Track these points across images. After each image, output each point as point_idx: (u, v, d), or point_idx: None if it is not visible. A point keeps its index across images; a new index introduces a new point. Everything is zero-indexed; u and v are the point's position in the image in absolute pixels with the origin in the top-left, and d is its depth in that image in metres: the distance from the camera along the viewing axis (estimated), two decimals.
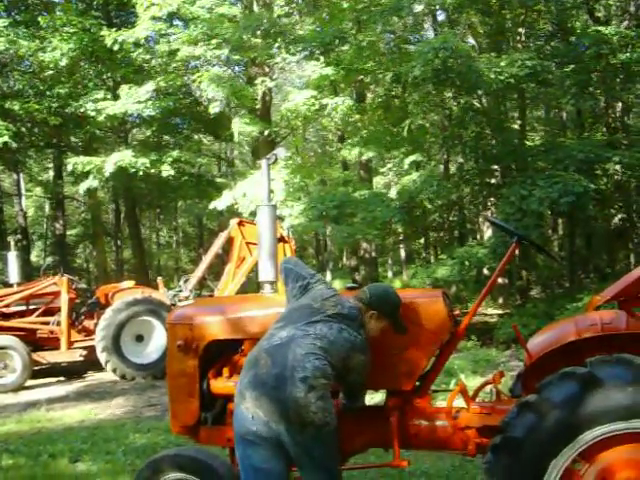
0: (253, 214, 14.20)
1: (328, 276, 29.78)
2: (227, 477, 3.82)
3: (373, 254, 24.03)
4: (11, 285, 14.42)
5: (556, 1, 17.61)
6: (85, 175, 19.56)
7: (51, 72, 20.19)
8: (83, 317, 13.43)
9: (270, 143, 19.21)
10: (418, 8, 17.87)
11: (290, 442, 3.34)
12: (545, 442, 3.00)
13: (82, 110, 19.70)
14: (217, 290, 13.01)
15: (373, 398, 5.49)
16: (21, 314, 12.95)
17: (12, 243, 17.89)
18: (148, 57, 19.67)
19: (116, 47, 18.51)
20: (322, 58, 17.40)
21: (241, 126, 18.29)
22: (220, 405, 4.25)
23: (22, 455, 7.03)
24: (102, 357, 12.23)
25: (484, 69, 14.60)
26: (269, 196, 4.65)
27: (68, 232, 30.94)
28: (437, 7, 18.85)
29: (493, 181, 18.94)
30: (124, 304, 12.42)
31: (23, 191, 30.39)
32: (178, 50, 18.23)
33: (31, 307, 13.03)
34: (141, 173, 18.93)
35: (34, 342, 12.74)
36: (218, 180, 27.51)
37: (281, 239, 11.29)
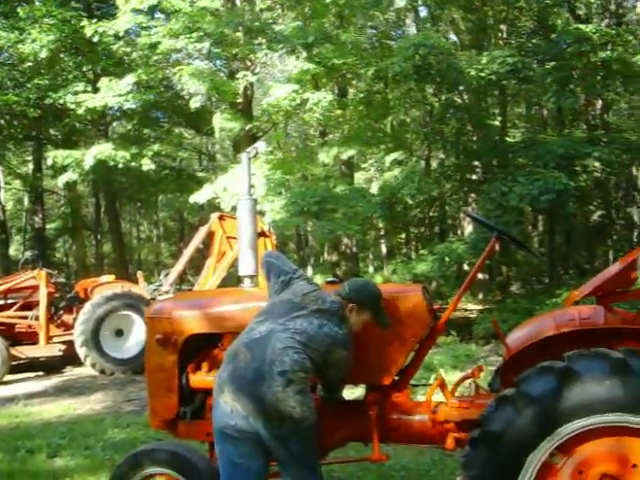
0: (235, 209, 14.17)
1: (309, 271, 29.74)
2: (206, 471, 3.80)
3: (354, 249, 24.06)
4: None
5: None
6: (64, 168, 19.38)
7: (30, 64, 19.97)
8: (62, 311, 13.30)
9: (251, 138, 19.13)
10: (400, 3, 17.92)
11: (269, 436, 3.33)
12: (523, 436, 3.02)
13: (62, 102, 19.50)
14: (197, 285, 12.96)
15: (353, 393, 5.49)
16: None
17: None
18: (129, 50, 19.48)
19: (96, 39, 18.35)
20: (304, 53, 17.37)
21: (222, 122, 18.21)
22: (199, 399, 4.23)
23: None
24: (81, 352, 12.15)
25: (465, 66, 14.66)
26: (249, 190, 4.62)
27: (47, 226, 30.64)
28: (419, 3, 18.88)
29: (474, 177, 19.03)
30: (103, 298, 12.33)
31: (2, 184, 30.06)
32: (159, 43, 18.09)
33: (9, 301, 12.90)
34: (121, 166, 18.79)
35: (12, 337, 12.60)
36: (199, 174, 27.36)
37: (262, 234, 11.26)
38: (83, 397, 10.45)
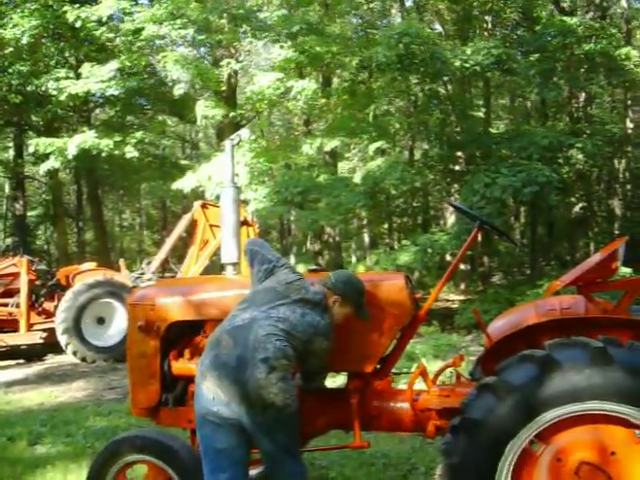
0: (219, 197, 14.12)
1: (292, 260, 29.75)
2: (188, 458, 3.79)
3: (337, 239, 24.09)
4: None
5: None
6: (46, 156, 19.20)
7: (12, 49, 19.71)
8: (43, 299, 13.23)
9: (235, 126, 19.05)
10: None
11: (251, 423, 3.34)
12: (503, 423, 3.04)
13: (43, 89, 19.29)
14: (180, 273, 12.91)
15: (335, 381, 5.51)
16: None
17: None
18: (112, 35, 19.31)
19: (79, 24, 18.16)
20: (289, 42, 17.30)
21: (205, 109, 18.11)
22: (181, 387, 4.22)
23: None
24: (62, 340, 12.08)
25: (449, 56, 14.67)
26: (233, 178, 4.61)
27: (28, 213, 30.34)
28: None
29: (457, 168, 19.08)
30: (85, 286, 12.27)
31: None
32: (142, 29, 17.94)
33: None
34: (104, 155, 18.63)
35: None
36: (182, 162, 27.23)
37: (245, 222, 11.23)
38: (64, 385, 10.40)
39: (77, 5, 18.93)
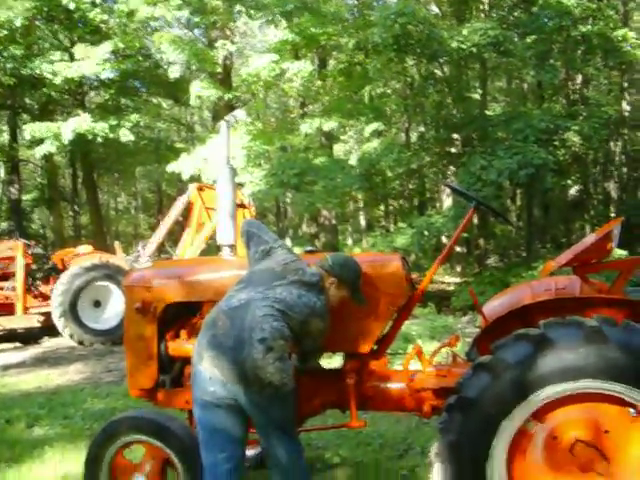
0: (215, 180, 14.08)
1: (288, 243, 29.77)
2: (185, 439, 3.81)
3: (333, 221, 24.09)
4: None
5: None
6: (41, 140, 19.12)
7: (5, 32, 19.54)
8: (39, 282, 13.22)
9: (230, 108, 18.98)
10: None
11: (248, 403, 3.35)
12: (498, 402, 3.06)
13: (38, 72, 19.16)
14: (176, 256, 12.90)
15: (330, 362, 5.53)
16: None
17: None
18: (106, 17, 19.16)
19: (72, 6, 18.01)
20: (284, 22, 17.20)
21: (199, 90, 18.02)
22: (178, 368, 4.24)
23: None
24: (59, 323, 12.09)
25: (446, 37, 14.61)
26: (228, 158, 4.59)
27: (24, 197, 30.23)
28: None
29: (453, 150, 19.05)
30: (81, 269, 12.26)
31: None
32: (137, 11, 17.80)
33: None
34: (100, 138, 18.55)
35: None
36: (178, 145, 27.15)
37: (241, 205, 11.23)
38: (61, 368, 10.41)
39: None
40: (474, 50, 14.73)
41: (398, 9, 14.24)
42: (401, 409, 4.07)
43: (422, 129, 21.41)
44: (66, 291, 12.04)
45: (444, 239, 18.53)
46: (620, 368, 2.96)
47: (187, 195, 12.90)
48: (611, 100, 26.80)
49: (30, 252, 13.32)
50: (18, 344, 12.74)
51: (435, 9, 21.39)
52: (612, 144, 26.18)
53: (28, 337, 13.12)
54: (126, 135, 18.91)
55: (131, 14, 17.98)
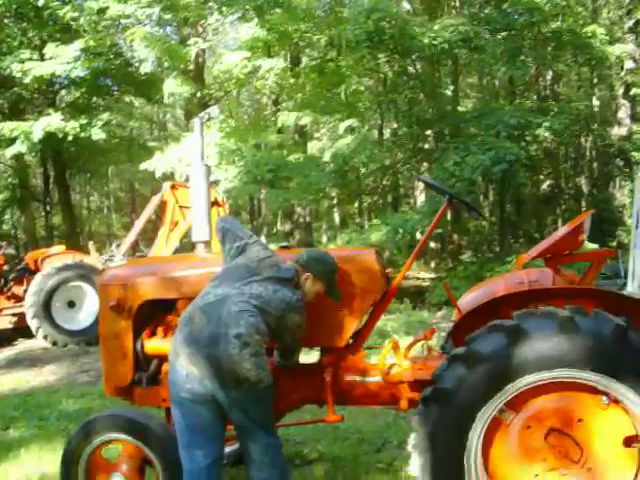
0: (189, 178, 14.01)
1: (262, 241, 29.69)
2: (163, 437, 3.80)
3: (307, 219, 24.10)
4: None
5: None
6: (12, 140, 18.87)
7: None
8: (12, 283, 13.06)
9: (204, 105, 18.93)
10: None
11: (225, 399, 3.35)
12: (474, 392, 3.10)
13: (7, 71, 18.90)
14: (150, 255, 12.81)
15: (307, 358, 5.55)
16: None
17: None
18: (76, 15, 18.93)
19: (42, 3, 17.79)
20: (256, 19, 17.15)
21: (173, 87, 17.91)
22: (154, 366, 4.22)
23: None
24: (33, 324, 11.94)
25: (418, 33, 14.68)
26: (202, 155, 4.59)
27: None
28: None
29: (426, 146, 19.16)
30: (54, 269, 12.12)
31: None
32: (107, 8, 17.63)
33: None
34: (71, 137, 18.35)
35: None
36: (150, 144, 26.95)
37: (215, 203, 11.17)
38: (36, 369, 10.30)
39: None
40: (446, 46, 14.82)
41: (371, 5, 14.27)
42: (378, 403, 4.10)
43: (395, 126, 21.50)
44: (39, 292, 11.90)
45: (418, 235, 18.65)
46: (592, 357, 3.02)
47: (161, 194, 12.81)
48: (581, 96, 27.16)
49: (1, 253, 13.16)
50: None
51: (407, 5, 21.51)
52: (583, 139, 26.52)
53: (1, 339, 12.95)
54: (97, 134, 18.73)
55: (101, 12, 17.80)
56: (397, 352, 4.08)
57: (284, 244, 4.43)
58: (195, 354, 3.32)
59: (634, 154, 21.86)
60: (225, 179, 15.75)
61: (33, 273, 12.60)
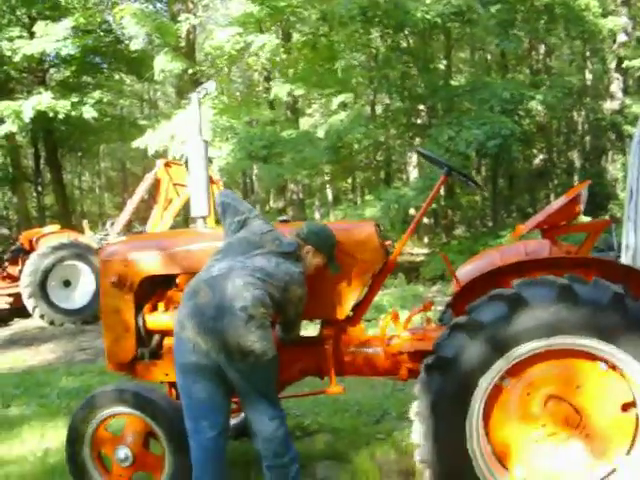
0: (182, 156, 13.95)
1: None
2: (168, 410, 3.84)
3: (300, 195, 24.08)
4: None
5: None
6: (2, 120, 18.73)
7: None
8: (7, 263, 13.06)
9: (195, 82, 18.81)
10: None
11: (230, 371, 3.40)
12: (475, 360, 3.15)
13: None
14: (145, 232, 12.80)
15: (307, 328, 5.61)
16: None
17: None
18: None
19: None
20: None
21: (163, 64, 17.78)
22: (156, 340, 4.26)
23: None
24: (29, 303, 11.98)
25: (411, 7, 14.59)
26: (200, 130, 4.59)
27: None
28: None
29: (419, 121, 19.12)
30: (50, 249, 12.12)
31: None
32: None
33: None
34: (62, 116, 18.22)
35: None
36: (141, 122, 26.78)
37: (210, 180, 11.14)
38: (33, 348, 10.36)
39: None
40: (439, 20, 14.75)
41: None
42: (378, 373, 4.14)
43: (387, 101, 21.43)
44: (35, 271, 11.92)
45: (412, 211, 18.69)
46: (591, 324, 3.07)
47: (154, 172, 12.78)
48: (573, 70, 27.10)
49: None
50: None
51: None
52: (575, 114, 26.50)
53: None
54: (89, 112, 18.61)
55: None
56: (397, 323, 4.13)
57: (283, 218, 4.46)
58: (201, 326, 3.36)
59: (626, 127, 21.85)
60: (219, 156, 15.71)
61: (28, 253, 12.60)
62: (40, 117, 18.25)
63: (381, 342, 4.02)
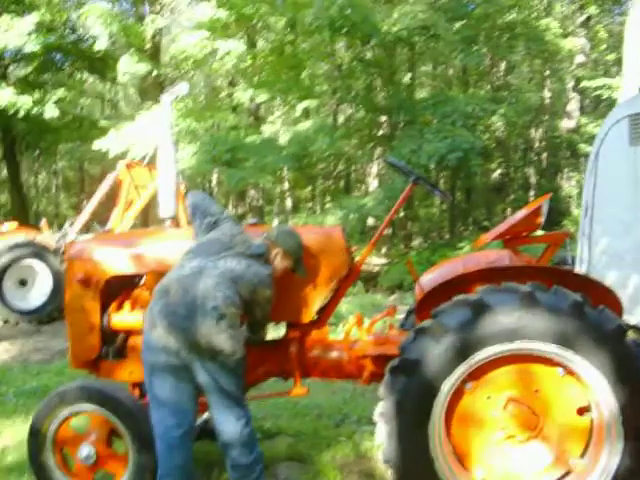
0: (144, 158, 13.84)
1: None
2: (132, 408, 3.84)
3: (260, 202, 24.08)
4: None
5: None
6: None
7: None
8: None
9: (159, 85, 18.74)
10: None
11: (200, 370, 3.44)
12: (439, 363, 3.25)
13: None
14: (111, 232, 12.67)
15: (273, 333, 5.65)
16: None
17: None
18: None
19: None
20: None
21: (128, 65, 17.65)
22: (121, 339, 4.27)
23: None
24: None
25: (378, 20, 14.78)
26: (171, 132, 4.61)
27: None
28: None
29: (381, 132, 19.32)
30: (6, 247, 11.87)
31: None
32: None
33: None
34: (22, 113, 17.92)
35: None
36: (102, 123, 26.46)
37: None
38: None
39: None
40: (405, 34, 14.97)
41: None
42: (342, 376, 4.22)
43: (349, 111, 21.61)
44: None
45: (370, 221, 18.87)
46: (551, 330, 3.19)
47: (116, 172, 12.65)
48: (533, 87, 27.68)
49: None
50: None
51: None
52: (533, 130, 27.05)
53: None
54: (51, 110, 18.33)
55: None
56: (360, 328, 4.20)
57: (253, 220, 4.50)
58: (172, 325, 3.39)
59: (582, 146, 22.38)
60: (181, 159, 15.64)
61: None
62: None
63: (345, 346, 4.10)
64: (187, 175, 16.37)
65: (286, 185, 26.90)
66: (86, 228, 13.80)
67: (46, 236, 12.69)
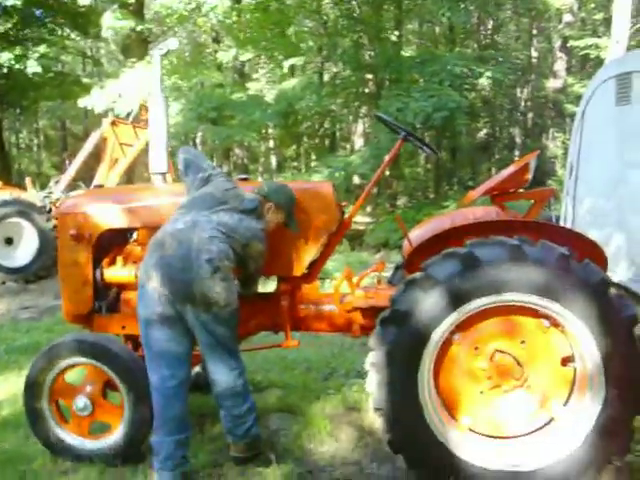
0: (129, 115, 13.71)
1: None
2: (127, 359, 3.91)
3: (245, 160, 23.99)
4: None
5: None
6: None
7: None
8: None
9: (143, 42, 18.47)
10: None
11: (194, 321, 3.51)
12: (429, 314, 3.32)
13: None
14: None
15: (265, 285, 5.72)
16: None
17: None
18: None
19: None
20: None
21: (111, 21, 17.36)
22: (114, 293, 4.33)
23: None
24: None
25: None
26: (161, 87, 4.60)
27: None
28: None
29: (367, 91, 19.21)
30: None
31: None
32: None
33: None
34: (5, 70, 17.61)
35: None
36: (84, 80, 26.06)
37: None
38: None
39: None
40: None
41: None
42: (332, 329, 4.30)
43: (335, 70, 21.42)
44: None
45: (355, 179, 18.89)
46: (538, 282, 3.27)
47: (100, 130, 12.56)
48: (519, 47, 27.57)
49: None
50: None
51: None
52: (519, 90, 27.03)
53: None
54: (33, 67, 18.03)
55: None
56: (350, 283, 4.28)
57: (243, 176, 4.53)
58: (167, 277, 3.45)
59: (568, 106, 22.40)
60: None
61: None
62: None
63: (335, 299, 4.17)
64: (171, 133, 16.23)
65: (271, 143, 26.80)
66: (71, 186, 13.75)
67: (31, 194, 12.63)
